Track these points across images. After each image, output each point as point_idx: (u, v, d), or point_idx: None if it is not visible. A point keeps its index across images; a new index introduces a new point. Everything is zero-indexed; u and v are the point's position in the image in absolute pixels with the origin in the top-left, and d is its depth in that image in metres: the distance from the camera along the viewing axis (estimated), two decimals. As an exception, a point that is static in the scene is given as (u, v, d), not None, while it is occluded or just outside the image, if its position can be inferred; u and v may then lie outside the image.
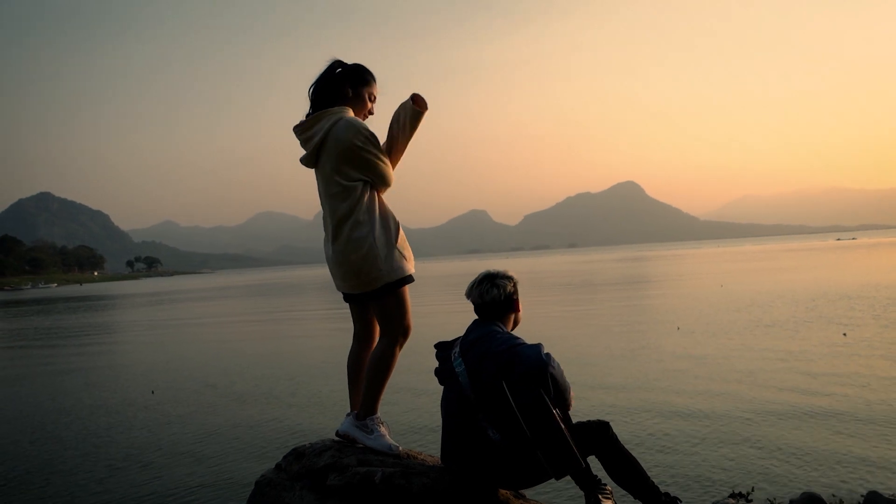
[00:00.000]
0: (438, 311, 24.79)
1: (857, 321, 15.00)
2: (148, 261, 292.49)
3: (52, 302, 60.06)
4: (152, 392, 11.40)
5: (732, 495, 5.24)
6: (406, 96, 3.23)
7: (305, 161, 3.27)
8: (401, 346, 3.21)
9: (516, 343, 2.92)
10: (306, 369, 12.99)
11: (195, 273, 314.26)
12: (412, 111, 3.16)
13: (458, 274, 67.68)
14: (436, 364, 3.24)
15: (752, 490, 5.31)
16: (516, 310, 3.19)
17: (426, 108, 3.17)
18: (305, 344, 17.56)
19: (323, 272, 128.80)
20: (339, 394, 10.22)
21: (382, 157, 3.16)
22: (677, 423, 7.56)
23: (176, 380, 12.58)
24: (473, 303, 3.19)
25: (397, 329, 3.17)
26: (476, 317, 3.21)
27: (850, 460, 6.03)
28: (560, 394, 2.89)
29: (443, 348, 3.20)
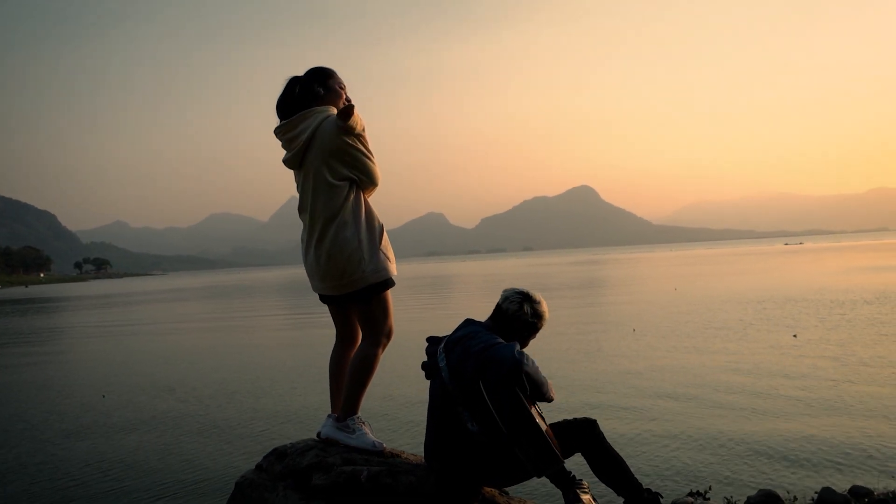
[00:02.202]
0: (400, 317, 24.68)
1: (804, 324, 15.47)
2: (97, 262, 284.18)
3: (-4, 304, 58.00)
4: (103, 396, 11.10)
5: (690, 494, 5.35)
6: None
7: (289, 161, 3.24)
8: (384, 349, 3.23)
9: (493, 343, 2.94)
10: (271, 373, 12.84)
11: (147, 275, 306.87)
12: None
13: (416, 276, 67.55)
14: (415, 361, 3.28)
15: (710, 489, 5.43)
16: (516, 334, 3.14)
17: (348, 116, 3.08)
18: (267, 348, 17.33)
19: (280, 274, 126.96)
20: (307, 397, 10.19)
21: (371, 155, 3.19)
22: (632, 424, 7.70)
23: (129, 385, 12.27)
24: (499, 302, 3.18)
25: (381, 331, 3.19)
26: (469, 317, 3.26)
27: (805, 459, 6.22)
28: (537, 389, 2.93)
29: (432, 343, 3.23)
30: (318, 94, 3.22)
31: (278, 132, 3.24)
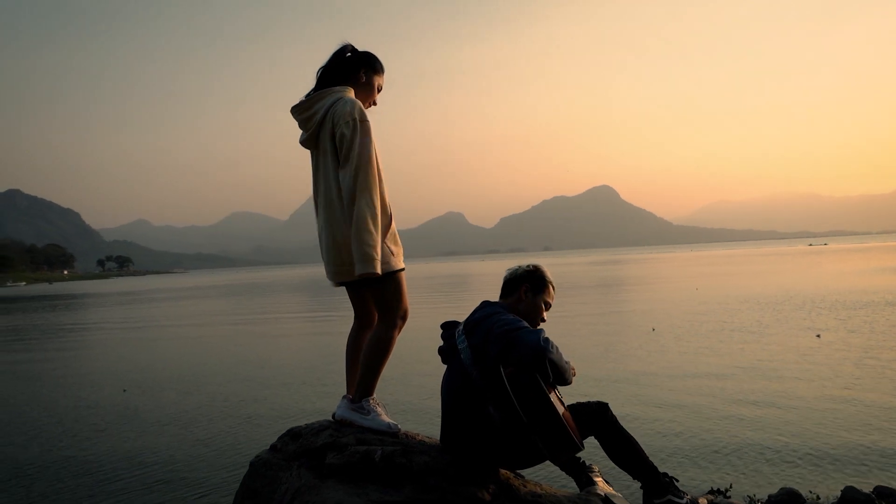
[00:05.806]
0: (417, 310, 24.72)
1: (828, 325, 15.28)
2: (119, 260, 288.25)
3: (21, 301, 58.87)
4: (124, 391, 11.20)
5: (711, 491, 5.29)
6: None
7: (305, 142, 3.20)
8: (399, 330, 3.20)
9: (518, 327, 2.90)
10: (291, 367, 12.91)
11: (168, 273, 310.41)
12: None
13: (433, 275, 67.56)
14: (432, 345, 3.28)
15: (731, 487, 5.35)
16: (521, 292, 3.23)
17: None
18: (288, 345, 17.43)
19: (299, 273, 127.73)
20: (324, 392, 10.23)
21: (365, 146, 3.05)
22: (651, 423, 7.61)
23: (151, 379, 12.37)
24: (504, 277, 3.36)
25: (395, 314, 3.16)
26: (485, 299, 3.27)
27: (828, 458, 6.11)
28: (559, 376, 2.89)
29: (448, 328, 3.22)
30: (358, 80, 3.21)
31: (295, 111, 3.19)
